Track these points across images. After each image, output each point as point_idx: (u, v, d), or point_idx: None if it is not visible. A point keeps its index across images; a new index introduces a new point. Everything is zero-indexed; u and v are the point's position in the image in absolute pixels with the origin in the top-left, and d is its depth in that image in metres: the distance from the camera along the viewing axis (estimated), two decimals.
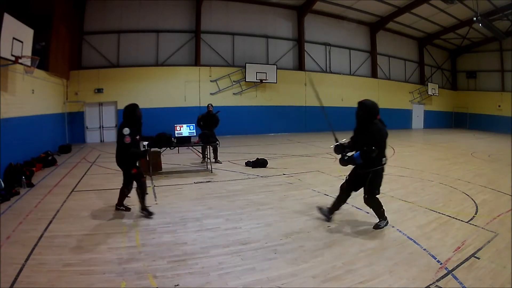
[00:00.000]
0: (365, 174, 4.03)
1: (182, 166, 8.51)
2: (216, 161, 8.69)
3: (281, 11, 17.31)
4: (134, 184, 4.74)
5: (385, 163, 4.03)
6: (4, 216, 4.65)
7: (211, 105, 8.76)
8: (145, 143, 5.94)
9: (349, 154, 4.11)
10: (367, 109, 3.92)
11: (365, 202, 4.25)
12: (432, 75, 23.55)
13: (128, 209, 4.88)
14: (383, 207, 4.28)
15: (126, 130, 4.35)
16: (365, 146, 3.83)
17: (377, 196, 4.16)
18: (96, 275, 3.04)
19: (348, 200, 5.46)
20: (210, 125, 8.45)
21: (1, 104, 6.80)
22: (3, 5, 6.93)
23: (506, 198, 5.73)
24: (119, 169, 4.74)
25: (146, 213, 4.66)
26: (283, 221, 4.56)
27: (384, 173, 4.12)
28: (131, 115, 4.52)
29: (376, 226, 4.31)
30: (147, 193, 4.80)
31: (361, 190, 4.24)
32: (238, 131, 15.71)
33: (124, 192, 4.81)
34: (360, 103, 4.00)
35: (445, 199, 5.64)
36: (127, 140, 4.33)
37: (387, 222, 4.32)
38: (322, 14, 18.11)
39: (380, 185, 4.14)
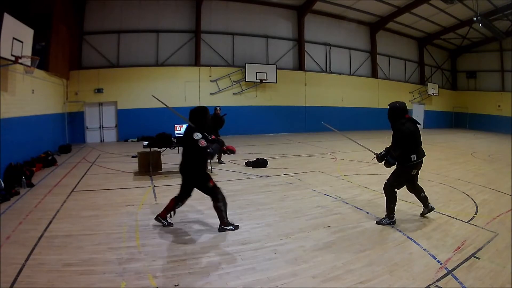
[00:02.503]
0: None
1: None
2: (220, 162, 8.73)
3: (281, 11, 17.31)
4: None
5: (415, 161, 4.21)
6: (4, 216, 4.65)
7: (220, 108, 9.02)
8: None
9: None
10: (390, 111, 4.27)
11: (383, 187, 4.43)
12: (432, 75, 23.56)
13: (170, 224, 4.36)
14: (395, 206, 4.36)
15: (198, 135, 3.89)
16: (391, 146, 4.22)
17: (396, 190, 4.36)
18: (96, 275, 3.04)
19: (348, 200, 5.52)
20: (215, 126, 8.64)
21: (1, 104, 6.80)
22: (3, 5, 6.93)
23: (506, 198, 5.72)
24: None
25: (233, 227, 4.24)
26: (283, 221, 4.56)
27: (413, 172, 4.32)
28: (201, 118, 4.08)
29: (378, 222, 4.36)
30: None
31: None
32: (238, 131, 15.70)
33: (175, 204, 4.28)
34: (388, 106, 4.33)
35: (445, 199, 5.64)
36: (202, 143, 3.87)
37: (392, 222, 4.34)
38: (322, 14, 18.12)
39: (403, 181, 4.37)
